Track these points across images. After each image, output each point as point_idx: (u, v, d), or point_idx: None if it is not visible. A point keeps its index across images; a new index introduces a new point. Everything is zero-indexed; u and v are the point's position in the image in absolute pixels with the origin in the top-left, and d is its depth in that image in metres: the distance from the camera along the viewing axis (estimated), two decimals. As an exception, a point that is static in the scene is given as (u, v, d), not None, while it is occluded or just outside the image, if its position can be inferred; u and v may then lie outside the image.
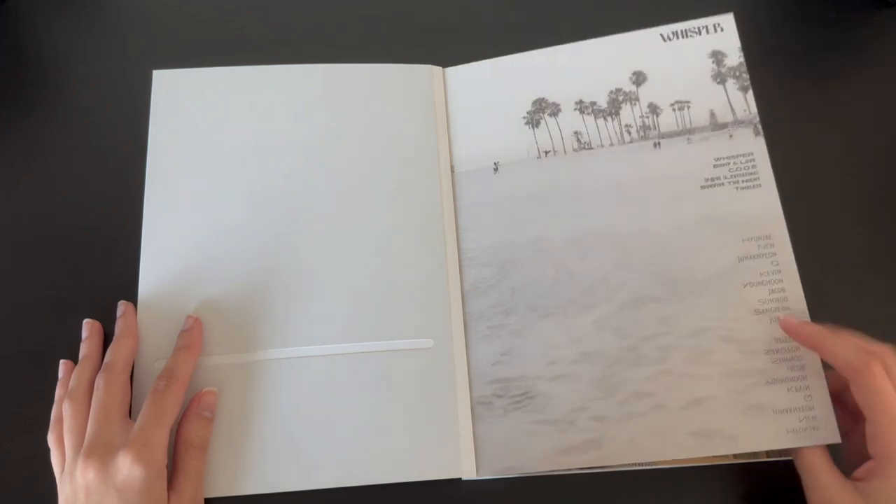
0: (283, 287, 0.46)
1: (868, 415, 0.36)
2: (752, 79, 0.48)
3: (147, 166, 0.48)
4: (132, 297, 0.45)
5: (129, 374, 0.42)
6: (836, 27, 0.55)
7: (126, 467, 0.37)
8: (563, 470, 0.41)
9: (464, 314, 0.45)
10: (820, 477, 0.38)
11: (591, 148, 0.48)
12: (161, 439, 0.38)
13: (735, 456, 0.41)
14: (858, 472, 0.37)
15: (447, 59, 0.52)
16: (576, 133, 0.49)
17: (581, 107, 0.49)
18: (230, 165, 0.48)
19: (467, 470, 0.42)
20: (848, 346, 0.37)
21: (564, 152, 0.48)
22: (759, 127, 0.46)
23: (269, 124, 0.49)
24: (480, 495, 0.42)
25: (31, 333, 0.43)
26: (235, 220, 0.47)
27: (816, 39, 0.54)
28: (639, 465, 0.41)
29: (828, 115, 0.52)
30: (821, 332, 0.39)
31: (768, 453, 0.41)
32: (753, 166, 0.46)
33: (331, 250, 0.47)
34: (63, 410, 0.40)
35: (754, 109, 0.47)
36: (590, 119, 0.49)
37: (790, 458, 0.41)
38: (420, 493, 0.42)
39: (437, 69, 0.52)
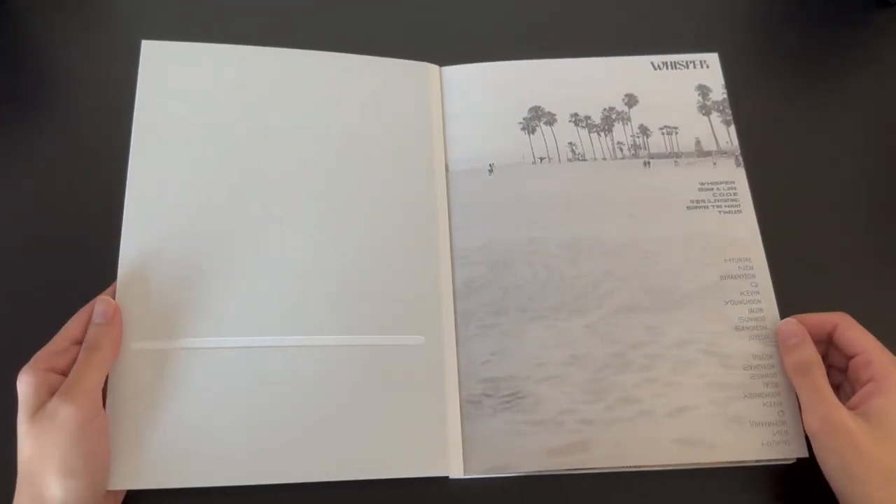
0: (269, 277, 0.43)
1: (861, 347, 0.40)
2: (743, 88, 0.51)
3: (132, 143, 0.45)
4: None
5: None
6: (836, 27, 0.56)
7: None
8: (550, 470, 0.41)
9: (455, 312, 0.45)
10: (823, 389, 0.39)
11: (585, 160, 0.49)
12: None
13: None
14: (853, 402, 0.39)
15: (443, 58, 0.52)
16: (570, 144, 0.50)
17: (576, 119, 0.50)
18: (215, 147, 0.46)
19: (455, 468, 0.41)
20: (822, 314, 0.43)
21: (559, 161, 0.49)
22: (741, 159, 0.49)
23: (258, 108, 0.47)
24: (467, 494, 0.42)
25: (35, 333, 0.39)
26: (220, 205, 0.45)
27: (816, 39, 0.56)
28: (625, 466, 0.42)
29: (827, 116, 0.53)
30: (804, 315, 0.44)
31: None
32: (735, 194, 0.48)
33: (320, 240, 0.45)
34: None
35: (736, 142, 0.50)
36: (584, 132, 0.50)
37: (769, 463, 0.42)
38: (407, 491, 0.41)
39: (433, 67, 0.52)
